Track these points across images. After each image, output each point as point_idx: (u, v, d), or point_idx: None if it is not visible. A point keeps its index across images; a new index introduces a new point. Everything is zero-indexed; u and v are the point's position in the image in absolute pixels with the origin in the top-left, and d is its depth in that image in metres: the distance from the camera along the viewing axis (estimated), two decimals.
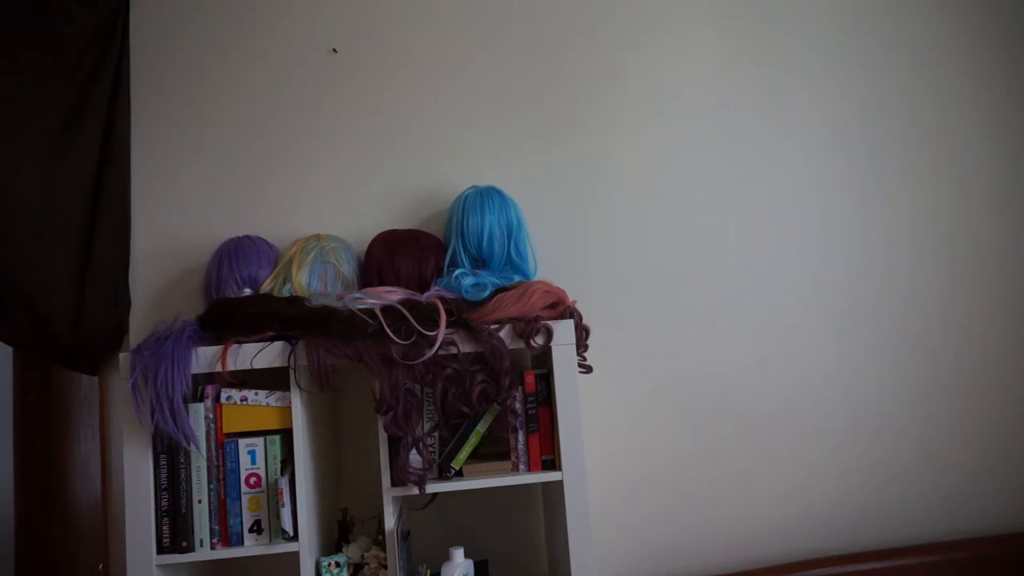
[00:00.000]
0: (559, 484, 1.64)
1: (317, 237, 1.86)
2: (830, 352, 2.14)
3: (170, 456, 1.55)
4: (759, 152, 2.18)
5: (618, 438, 2.05)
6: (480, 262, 1.85)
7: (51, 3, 1.74)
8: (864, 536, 2.11)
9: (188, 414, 1.53)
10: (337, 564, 1.61)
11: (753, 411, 2.10)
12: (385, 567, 1.64)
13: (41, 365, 2.03)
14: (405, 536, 1.73)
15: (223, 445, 1.56)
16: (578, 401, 1.63)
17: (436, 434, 1.65)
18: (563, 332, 1.64)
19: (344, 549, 1.71)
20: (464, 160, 2.08)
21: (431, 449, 1.64)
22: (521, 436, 1.66)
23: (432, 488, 1.60)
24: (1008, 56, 2.31)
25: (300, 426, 1.59)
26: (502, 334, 1.61)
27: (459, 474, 1.65)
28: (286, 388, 1.59)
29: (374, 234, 1.91)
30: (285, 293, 1.74)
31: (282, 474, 1.56)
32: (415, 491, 1.59)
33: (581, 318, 1.73)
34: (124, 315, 1.92)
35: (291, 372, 1.57)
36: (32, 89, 1.71)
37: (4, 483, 2.02)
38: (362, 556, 1.69)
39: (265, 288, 1.77)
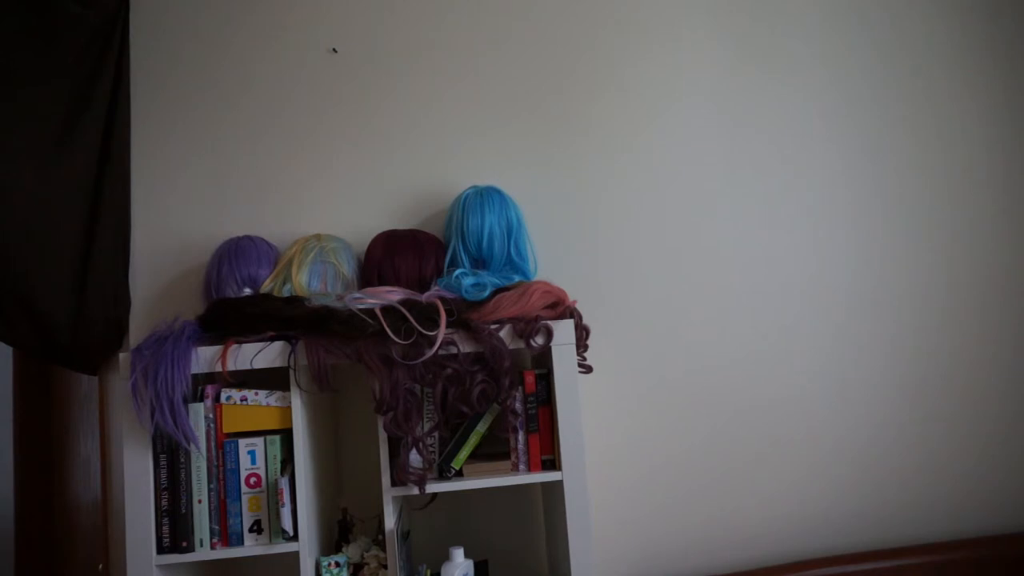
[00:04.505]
0: (559, 484, 1.64)
1: (317, 237, 1.86)
2: (829, 351, 2.14)
3: (170, 456, 1.55)
4: (758, 153, 2.18)
5: (618, 437, 2.05)
6: (480, 262, 1.84)
7: (50, 3, 1.73)
8: (864, 536, 2.11)
9: (188, 414, 1.53)
10: (337, 564, 1.61)
11: (752, 411, 2.10)
12: (385, 567, 1.64)
13: (41, 365, 2.02)
14: (405, 536, 1.73)
15: (223, 445, 1.56)
16: (578, 401, 1.63)
17: (436, 434, 1.65)
18: (563, 332, 1.64)
19: (344, 549, 1.71)
20: (464, 160, 2.08)
21: (431, 449, 1.64)
22: (521, 436, 1.66)
23: (432, 488, 1.60)
24: (1007, 57, 2.31)
25: (300, 426, 1.59)
26: (502, 334, 1.61)
27: (459, 474, 1.65)
28: (286, 388, 1.59)
29: (374, 234, 1.91)
30: (285, 293, 1.74)
31: (282, 474, 1.56)
32: (415, 491, 1.59)
33: (581, 318, 1.73)
34: (124, 315, 1.92)
35: (291, 372, 1.57)
36: (32, 89, 1.71)
37: (4, 483, 2.01)
38: (362, 556, 1.69)
39: (265, 288, 1.77)
